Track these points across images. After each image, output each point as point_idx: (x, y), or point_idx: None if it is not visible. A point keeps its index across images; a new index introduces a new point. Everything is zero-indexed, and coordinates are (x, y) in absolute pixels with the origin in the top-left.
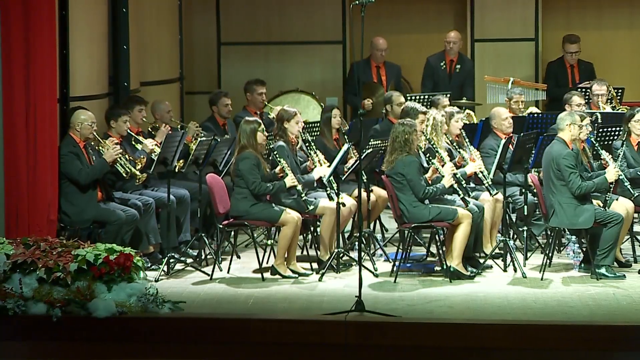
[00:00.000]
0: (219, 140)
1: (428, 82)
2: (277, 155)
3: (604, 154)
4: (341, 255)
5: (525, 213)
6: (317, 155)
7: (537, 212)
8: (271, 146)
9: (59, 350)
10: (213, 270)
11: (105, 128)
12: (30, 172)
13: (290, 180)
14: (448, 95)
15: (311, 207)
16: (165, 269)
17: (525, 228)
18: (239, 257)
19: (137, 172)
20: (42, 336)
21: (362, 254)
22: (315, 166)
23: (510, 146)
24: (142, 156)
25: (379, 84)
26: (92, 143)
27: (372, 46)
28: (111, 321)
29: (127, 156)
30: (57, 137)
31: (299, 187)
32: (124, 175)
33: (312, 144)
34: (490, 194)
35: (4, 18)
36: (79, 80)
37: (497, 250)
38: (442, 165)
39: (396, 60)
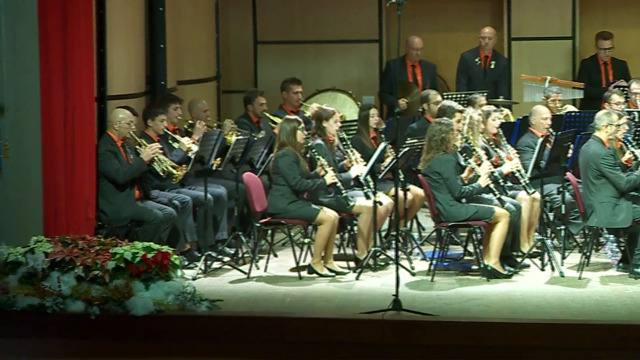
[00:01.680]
0: (255, 138)
1: (462, 78)
2: (315, 153)
3: (638, 153)
4: (378, 253)
5: (563, 212)
6: (353, 154)
7: (575, 211)
8: (309, 144)
9: (96, 348)
10: (250, 269)
11: (142, 127)
12: (68, 170)
13: (330, 177)
14: (485, 94)
15: (352, 204)
16: (203, 267)
17: (562, 227)
18: (276, 255)
19: (174, 171)
20: (80, 334)
21: (399, 252)
22: (352, 165)
23: (548, 145)
24: (181, 156)
25: (414, 84)
26: (133, 143)
27: (408, 45)
28: (149, 319)
29: (168, 161)
30: (95, 136)
31: (339, 184)
32: (161, 174)
33: (349, 142)
34: (528, 192)
35: (42, 17)
36: (116, 79)
37: (534, 249)
38: (479, 165)
39: (432, 59)
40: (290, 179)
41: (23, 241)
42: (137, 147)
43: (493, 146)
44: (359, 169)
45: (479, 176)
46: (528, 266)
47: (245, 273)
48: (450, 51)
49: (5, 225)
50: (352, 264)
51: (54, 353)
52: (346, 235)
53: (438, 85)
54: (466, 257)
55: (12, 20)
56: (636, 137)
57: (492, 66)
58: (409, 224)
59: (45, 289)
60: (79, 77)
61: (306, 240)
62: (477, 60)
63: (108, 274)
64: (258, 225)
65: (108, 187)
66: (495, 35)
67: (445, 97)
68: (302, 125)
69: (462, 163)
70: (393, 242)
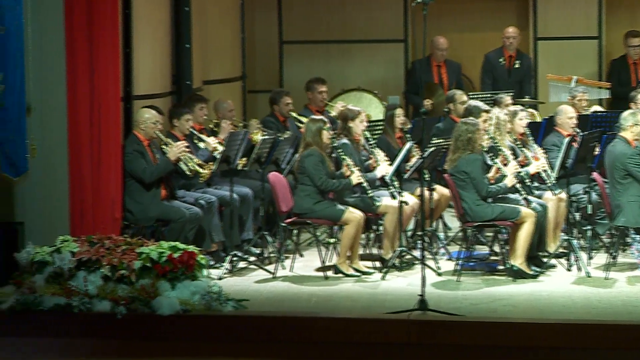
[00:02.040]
0: (281, 138)
1: (487, 78)
2: (341, 153)
3: None
4: (404, 253)
5: (589, 212)
6: (379, 154)
7: (601, 211)
8: (334, 144)
9: (122, 348)
10: (276, 269)
11: (167, 126)
12: (94, 170)
13: (356, 177)
14: (511, 94)
15: (378, 204)
16: (229, 267)
17: (589, 227)
18: (301, 255)
19: (200, 170)
20: (106, 334)
21: (425, 252)
22: (378, 165)
23: (574, 144)
24: (207, 156)
25: (439, 85)
26: (159, 142)
27: (433, 45)
28: (175, 319)
29: (195, 160)
30: (121, 136)
31: (365, 184)
32: (188, 173)
33: (375, 142)
34: (553, 193)
35: (68, 17)
36: (142, 78)
37: (560, 250)
38: (505, 165)
39: (458, 59)
40: (316, 179)
41: (49, 241)
42: (164, 146)
43: (520, 146)
44: (384, 168)
45: (506, 176)
46: (554, 266)
47: (271, 273)
48: (476, 51)
49: (32, 225)
50: (377, 264)
51: (80, 352)
52: (372, 235)
53: (464, 85)
54: (492, 257)
55: (38, 21)
56: None
57: (517, 65)
58: (434, 224)
59: (71, 289)
60: (104, 77)
61: (332, 240)
62: (501, 60)
63: (134, 274)
64: (284, 225)
65: (134, 186)
66: (519, 34)
67: (471, 97)
68: (328, 125)
69: (489, 163)
70: (419, 242)
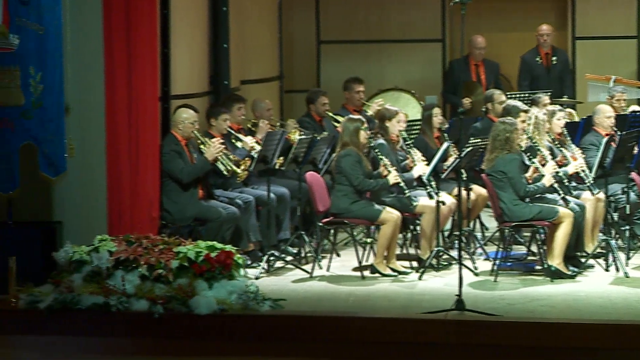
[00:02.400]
0: (318, 138)
1: (525, 80)
2: (378, 153)
3: None
4: (441, 253)
5: (628, 212)
6: (416, 154)
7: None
8: (371, 144)
9: (160, 347)
10: (313, 268)
11: (205, 126)
12: (132, 170)
13: (393, 177)
14: (549, 94)
15: (415, 204)
16: (266, 266)
17: (627, 227)
18: (338, 255)
19: (238, 170)
20: (144, 333)
21: (462, 252)
22: (415, 165)
23: (612, 144)
24: (244, 156)
25: (478, 84)
26: (197, 141)
27: (471, 44)
28: (212, 318)
29: (231, 156)
30: (159, 136)
31: (402, 184)
32: (225, 173)
33: (412, 142)
34: (592, 193)
35: (106, 17)
36: (180, 78)
37: (598, 250)
38: (543, 164)
39: (496, 59)
40: (353, 178)
41: (87, 240)
42: (201, 146)
43: (558, 146)
44: (421, 168)
45: (543, 176)
46: (592, 267)
47: (308, 272)
48: (514, 50)
49: (70, 225)
50: (414, 263)
51: (118, 351)
52: (409, 235)
53: (502, 85)
54: (530, 257)
55: (77, 21)
56: None
57: (554, 62)
58: (471, 224)
59: (109, 288)
60: (142, 77)
61: (369, 240)
62: (537, 59)
63: (172, 273)
64: (321, 224)
65: (172, 186)
66: (552, 31)
67: (509, 96)
68: (365, 125)
69: (527, 163)
70: (456, 242)
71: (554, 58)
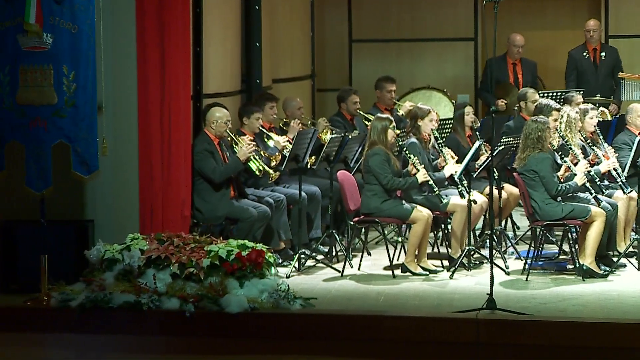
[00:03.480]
0: (350, 137)
1: (572, 75)
2: (407, 152)
3: None
4: (472, 252)
5: None
6: (447, 153)
7: None
8: (402, 143)
9: (192, 346)
10: (344, 267)
11: (237, 124)
12: (164, 169)
13: (422, 175)
14: (581, 92)
15: (445, 201)
16: (297, 265)
17: None
18: (369, 254)
19: (270, 170)
20: (175, 331)
21: (494, 251)
22: (447, 163)
23: None
24: (276, 153)
25: (513, 85)
26: (228, 139)
27: (509, 42)
28: (243, 317)
29: (262, 153)
30: (191, 134)
31: (432, 183)
32: (257, 173)
33: (443, 141)
34: (624, 192)
35: (139, 16)
36: (212, 77)
37: (631, 249)
38: (575, 163)
39: (528, 57)
40: (381, 177)
41: (119, 238)
42: (234, 145)
43: (590, 144)
44: (453, 167)
45: (575, 175)
46: (624, 266)
47: (338, 271)
48: (548, 49)
49: (103, 223)
50: (445, 262)
51: (149, 350)
52: (440, 234)
53: (539, 85)
54: (561, 257)
55: (110, 20)
56: None
57: (603, 57)
58: (503, 223)
59: (140, 286)
60: (175, 76)
61: (399, 239)
62: (585, 54)
63: (203, 272)
64: (352, 223)
65: (204, 185)
66: (599, 27)
67: (542, 95)
68: (393, 123)
69: (559, 161)
70: (487, 241)
71: (603, 54)
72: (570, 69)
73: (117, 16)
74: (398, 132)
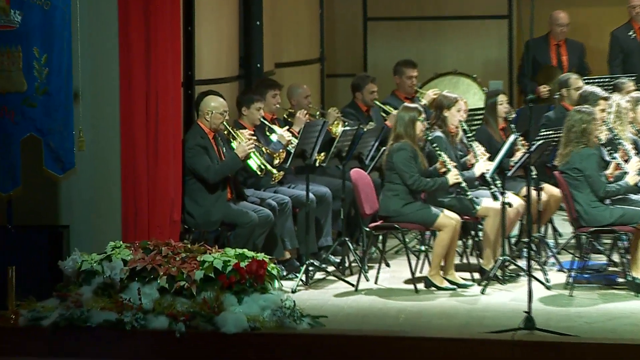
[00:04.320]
0: (365, 129)
1: (615, 59)
2: (436, 147)
3: None
4: (507, 263)
5: None
6: (478, 148)
7: None
8: (428, 137)
9: None
10: (358, 280)
11: (235, 116)
12: (151, 166)
13: (453, 176)
14: (634, 78)
15: (478, 208)
16: (304, 278)
17: None
18: (388, 265)
19: (273, 169)
20: (163, 354)
21: (532, 262)
22: (477, 161)
23: None
24: (280, 150)
25: (558, 69)
26: (224, 133)
27: (552, 21)
28: (242, 338)
29: (263, 148)
30: (181, 127)
31: (464, 184)
32: (257, 172)
33: (473, 134)
34: None
35: None
36: (206, 61)
37: None
38: (626, 160)
39: (569, 37)
40: (406, 176)
41: (99, 247)
42: (231, 139)
43: None
44: (484, 165)
45: (626, 173)
46: None
47: (352, 285)
48: (592, 28)
49: (79, 229)
50: (476, 275)
51: None
52: (470, 242)
53: (587, 68)
54: (610, 268)
55: None
56: None
57: None
58: (543, 229)
59: (123, 303)
60: (163, 59)
61: (423, 248)
62: (630, 33)
63: (195, 286)
64: (367, 229)
65: (196, 186)
66: None
67: (587, 81)
68: (423, 115)
69: (607, 158)
70: (524, 250)
71: None
72: (615, 51)
73: None
74: (425, 124)
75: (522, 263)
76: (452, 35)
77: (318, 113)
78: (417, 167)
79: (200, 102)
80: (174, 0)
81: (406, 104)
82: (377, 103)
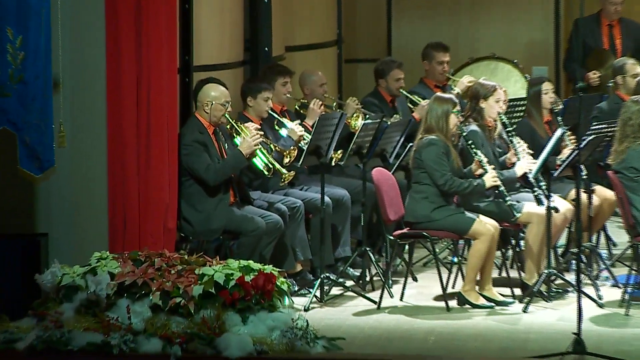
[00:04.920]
0: (389, 123)
1: None
2: (471, 145)
3: None
4: (553, 277)
5: None
6: (519, 144)
7: None
8: (462, 132)
9: None
10: (381, 297)
11: (239, 106)
12: (142, 166)
13: (491, 178)
14: None
15: (519, 214)
16: (318, 294)
17: None
18: (415, 279)
19: (282, 169)
20: None
21: (582, 276)
22: (518, 159)
23: None
24: (291, 146)
25: (611, 53)
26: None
27: None
28: None
29: (272, 145)
30: (177, 120)
31: (503, 188)
32: (264, 172)
33: (514, 128)
34: None
35: None
36: (206, 44)
37: None
38: None
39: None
40: (437, 176)
41: (82, 259)
42: (234, 134)
43: None
44: (527, 164)
45: None
46: None
47: (374, 302)
48: None
49: (59, 237)
50: (517, 291)
51: None
52: (510, 252)
53: None
54: None
55: None
56: None
57: None
58: (594, 238)
59: (110, 322)
60: (156, 42)
61: (456, 260)
62: None
63: (193, 303)
64: (391, 238)
65: (194, 188)
66: None
67: None
68: (458, 107)
69: None
70: (573, 262)
71: None
72: None
73: None
74: (460, 117)
75: (571, 277)
76: (490, 14)
77: (335, 104)
78: (450, 165)
79: (198, 92)
80: None
81: (438, 94)
82: (404, 92)
